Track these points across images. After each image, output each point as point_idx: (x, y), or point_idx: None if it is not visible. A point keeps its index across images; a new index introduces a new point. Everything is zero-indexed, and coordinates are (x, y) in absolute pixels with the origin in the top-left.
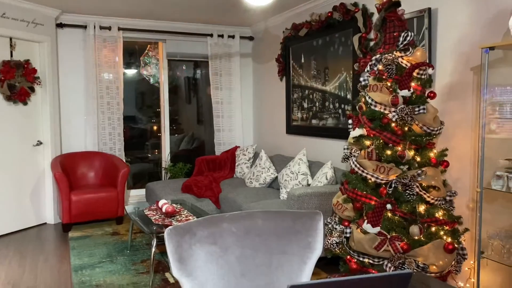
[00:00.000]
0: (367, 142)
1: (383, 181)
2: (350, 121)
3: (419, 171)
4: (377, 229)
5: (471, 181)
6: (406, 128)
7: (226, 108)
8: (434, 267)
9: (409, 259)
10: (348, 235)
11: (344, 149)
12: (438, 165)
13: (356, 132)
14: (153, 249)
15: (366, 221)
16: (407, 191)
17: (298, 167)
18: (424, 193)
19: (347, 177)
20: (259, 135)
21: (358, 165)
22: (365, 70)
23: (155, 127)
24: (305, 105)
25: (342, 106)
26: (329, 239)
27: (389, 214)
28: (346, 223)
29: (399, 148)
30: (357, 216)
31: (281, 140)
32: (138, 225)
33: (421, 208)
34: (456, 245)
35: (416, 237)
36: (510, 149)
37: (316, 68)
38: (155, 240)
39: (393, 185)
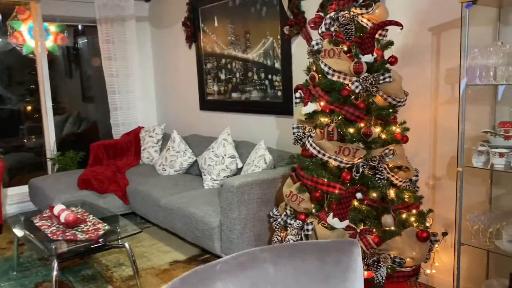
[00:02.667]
0: (325, 119)
1: (348, 165)
2: (297, 94)
3: (386, 151)
4: (346, 222)
5: (431, 156)
6: (366, 101)
7: (123, 82)
8: (409, 259)
9: (384, 254)
10: (309, 232)
11: (293, 128)
12: (402, 141)
13: (308, 108)
14: (54, 273)
15: (331, 214)
16: (377, 175)
17: (223, 149)
18: (393, 176)
19: (300, 162)
20: (165, 113)
21: (317, 148)
22: (319, 31)
23: (29, 108)
24: (223, 77)
25: (269, 76)
26: (279, 236)
27: (356, 204)
28: (303, 217)
29: (362, 125)
30: (316, 208)
31: (194, 117)
32: (28, 242)
33: (391, 193)
34: (429, 232)
35: (390, 228)
36: (483, 120)
37: (234, 33)
38: (56, 262)
39: (360, 169)
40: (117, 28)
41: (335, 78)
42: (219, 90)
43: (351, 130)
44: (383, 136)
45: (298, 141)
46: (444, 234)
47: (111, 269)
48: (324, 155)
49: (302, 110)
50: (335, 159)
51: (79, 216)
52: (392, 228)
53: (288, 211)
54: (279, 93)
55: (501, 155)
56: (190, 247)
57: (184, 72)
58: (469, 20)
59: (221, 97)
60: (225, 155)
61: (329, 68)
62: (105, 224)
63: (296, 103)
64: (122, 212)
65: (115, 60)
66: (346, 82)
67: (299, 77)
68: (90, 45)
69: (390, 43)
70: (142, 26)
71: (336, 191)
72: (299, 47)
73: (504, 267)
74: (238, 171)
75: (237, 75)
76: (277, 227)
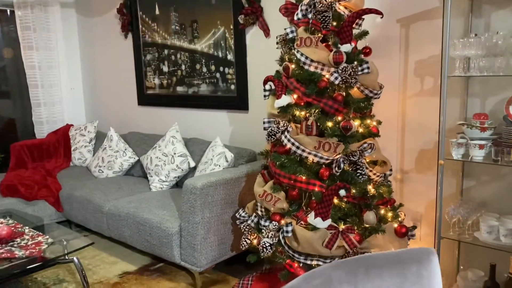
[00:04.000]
0: (301, 113)
1: (328, 161)
2: (267, 87)
3: (365, 145)
4: (328, 222)
5: (398, 149)
6: (344, 93)
7: (46, 74)
8: None
9: (366, 253)
10: (289, 234)
11: (264, 123)
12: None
13: (282, 100)
14: None
15: (312, 213)
16: (358, 171)
17: (172, 147)
18: (371, 170)
19: (275, 159)
20: (96, 109)
21: (296, 143)
22: (295, 18)
23: None
24: (165, 69)
25: (221, 69)
26: (248, 240)
27: (335, 201)
28: (278, 218)
29: (339, 118)
30: (294, 208)
31: (132, 114)
32: None
33: (371, 189)
34: (407, 227)
35: (372, 225)
36: (454, 112)
37: (178, 21)
38: None
39: (341, 165)
40: (39, 14)
41: (312, 69)
42: (161, 83)
43: (329, 123)
44: (360, 130)
45: (272, 136)
46: (414, 227)
47: (51, 287)
48: (303, 150)
49: (275, 103)
50: (315, 155)
51: (12, 229)
52: (372, 225)
53: (260, 212)
54: (233, 87)
55: (481, 147)
56: (139, 256)
57: (119, 64)
58: (451, 9)
59: (164, 91)
60: (175, 153)
61: (306, 58)
62: (47, 236)
63: (265, 96)
64: (55, 220)
65: (37, 50)
66: (324, 73)
67: (254, 69)
68: (5, 33)
69: (365, 33)
70: (69, 13)
71: (316, 189)
72: (254, 37)
73: (476, 259)
74: (191, 170)
75: (183, 67)
76: (246, 229)
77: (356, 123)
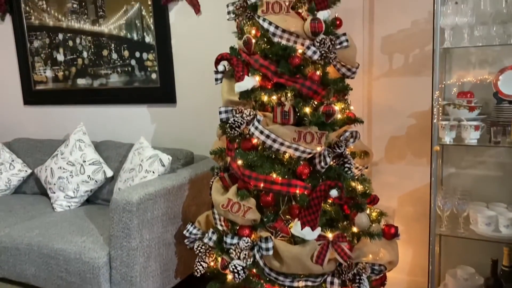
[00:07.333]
0: (272, 97)
1: (310, 155)
2: (220, 67)
3: (347, 133)
4: (318, 231)
5: (365, 138)
6: (319, 72)
7: None
8: (387, 263)
9: (361, 263)
10: (269, 252)
11: (221, 113)
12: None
13: (246, 83)
14: None
15: (298, 223)
16: (346, 165)
17: (80, 153)
18: (354, 164)
19: (240, 156)
20: None
21: (272, 135)
22: None
23: None
24: (60, 58)
25: (137, 54)
26: (204, 263)
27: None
28: (247, 232)
29: (316, 103)
30: (268, 217)
31: (17, 116)
32: None
33: (358, 185)
34: (395, 226)
35: (366, 229)
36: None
37: None
38: None
39: (327, 159)
40: None
41: (283, 41)
42: (56, 76)
43: (307, 109)
44: (339, 116)
45: (235, 129)
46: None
47: None
48: (282, 144)
49: (236, 86)
50: (296, 149)
51: None
52: (364, 229)
53: (220, 226)
54: (154, 76)
55: (476, 128)
56: None
57: None
58: None
59: (60, 85)
60: (84, 161)
61: (277, 27)
62: None
63: (217, 79)
64: None
65: None
66: (298, 46)
67: (182, 53)
68: None
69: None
70: None
71: (297, 191)
72: (180, 15)
73: (462, 254)
74: (107, 181)
75: (85, 54)
76: (201, 250)
77: (337, 107)
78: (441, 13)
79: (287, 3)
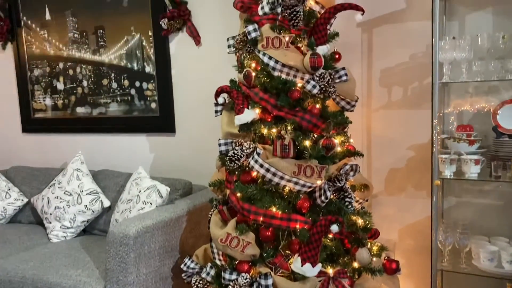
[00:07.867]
0: (272, 130)
1: (310, 189)
2: (220, 100)
3: (347, 167)
4: (319, 267)
5: (364, 169)
6: (318, 105)
7: None
8: None
9: None
10: None
11: (220, 145)
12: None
13: (246, 116)
14: None
15: (298, 259)
16: (347, 199)
17: (78, 182)
18: (354, 197)
19: (240, 189)
20: None
21: (272, 168)
22: (259, 12)
23: None
24: (60, 86)
25: (137, 84)
26: None
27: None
28: (246, 267)
29: (316, 135)
30: (268, 252)
31: (15, 143)
32: None
33: (359, 219)
34: (397, 261)
35: (367, 265)
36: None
37: (78, 28)
38: None
39: (328, 193)
40: None
41: (283, 75)
42: (55, 104)
43: (307, 142)
44: (339, 149)
45: (235, 162)
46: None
47: None
48: (282, 178)
49: (236, 119)
50: (296, 183)
51: None
52: (365, 265)
53: (219, 261)
54: (154, 105)
55: (476, 162)
56: None
57: None
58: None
59: (60, 113)
60: (81, 191)
61: (276, 62)
62: None
63: (217, 111)
64: None
65: None
66: (297, 80)
67: (182, 83)
68: None
69: (336, 33)
70: None
71: (298, 225)
72: (181, 46)
73: None
74: (104, 212)
75: (85, 83)
76: (199, 286)
77: (337, 140)
78: (439, 48)
79: (287, 38)
